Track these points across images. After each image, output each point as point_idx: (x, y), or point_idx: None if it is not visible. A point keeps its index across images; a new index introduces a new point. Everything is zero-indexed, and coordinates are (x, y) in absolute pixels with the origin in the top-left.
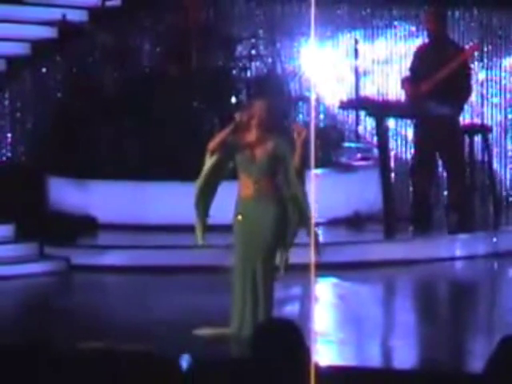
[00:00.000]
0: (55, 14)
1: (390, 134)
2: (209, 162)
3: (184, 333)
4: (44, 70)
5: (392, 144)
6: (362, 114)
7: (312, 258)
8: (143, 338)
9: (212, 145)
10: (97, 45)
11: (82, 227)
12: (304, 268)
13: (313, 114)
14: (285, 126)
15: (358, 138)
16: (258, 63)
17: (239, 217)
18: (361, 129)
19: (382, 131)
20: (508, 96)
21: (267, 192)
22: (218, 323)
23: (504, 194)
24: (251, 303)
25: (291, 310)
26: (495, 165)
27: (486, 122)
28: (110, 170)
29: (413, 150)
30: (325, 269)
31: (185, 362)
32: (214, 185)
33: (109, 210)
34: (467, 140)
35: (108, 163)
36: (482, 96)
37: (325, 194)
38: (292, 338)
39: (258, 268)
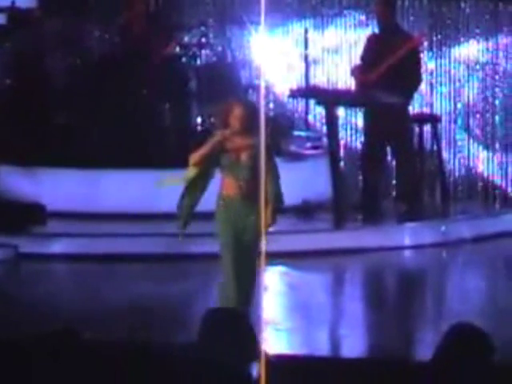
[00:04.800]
0: (4, 0)
1: (340, 122)
2: (192, 171)
3: (134, 320)
4: None
5: (342, 133)
6: (312, 102)
7: (262, 247)
8: (93, 326)
9: (195, 159)
10: (46, 31)
11: (31, 215)
12: None
13: (262, 102)
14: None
15: (307, 126)
16: (207, 51)
17: (222, 216)
18: (310, 117)
19: (331, 120)
20: (457, 85)
21: (252, 191)
22: (170, 311)
23: (453, 183)
24: (245, 294)
25: None
26: (444, 154)
27: (435, 111)
28: (59, 158)
29: (362, 139)
30: (274, 257)
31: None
32: (200, 194)
33: (58, 198)
34: (416, 129)
35: (57, 151)
36: (431, 85)
37: None
38: (241, 326)
39: (246, 262)
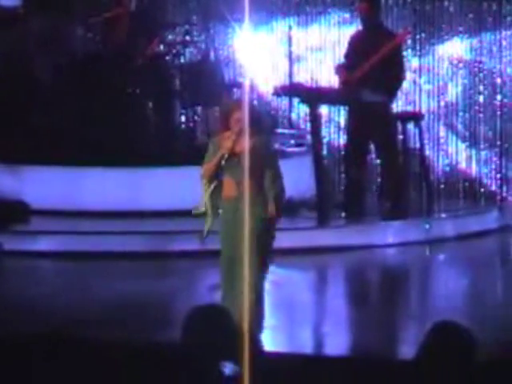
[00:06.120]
0: None
1: (323, 120)
2: (207, 188)
3: (117, 318)
4: None
5: (325, 131)
6: (296, 100)
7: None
8: (78, 324)
9: (207, 174)
10: (30, 30)
11: (14, 213)
12: None
13: (247, 100)
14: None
15: (291, 124)
16: (191, 49)
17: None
18: (294, 115)
19: (315, 118)
20: (441, 83)
21: (252, 192)
22: (155, 308)
23: (436, 181)
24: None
25: None
26: (428, 152)
27: (418, 109)
28: (42, 156)
29: (346, 137)
30: None
31: (229, 369)
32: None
33: (42, 196)
34: (400, 127)
35: (41, 149)
36: (414, 83)
37: None
38: (225, 324)
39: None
